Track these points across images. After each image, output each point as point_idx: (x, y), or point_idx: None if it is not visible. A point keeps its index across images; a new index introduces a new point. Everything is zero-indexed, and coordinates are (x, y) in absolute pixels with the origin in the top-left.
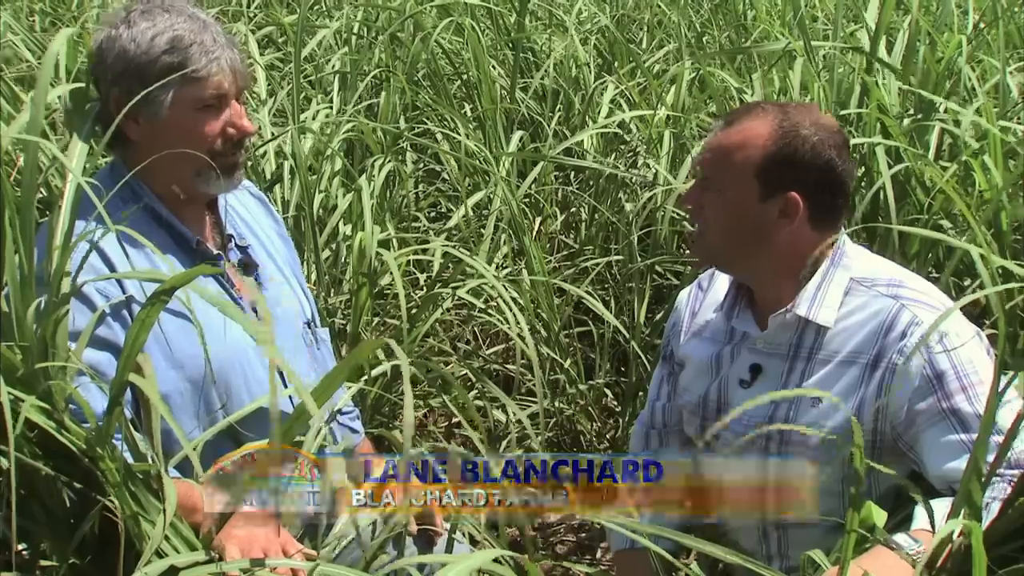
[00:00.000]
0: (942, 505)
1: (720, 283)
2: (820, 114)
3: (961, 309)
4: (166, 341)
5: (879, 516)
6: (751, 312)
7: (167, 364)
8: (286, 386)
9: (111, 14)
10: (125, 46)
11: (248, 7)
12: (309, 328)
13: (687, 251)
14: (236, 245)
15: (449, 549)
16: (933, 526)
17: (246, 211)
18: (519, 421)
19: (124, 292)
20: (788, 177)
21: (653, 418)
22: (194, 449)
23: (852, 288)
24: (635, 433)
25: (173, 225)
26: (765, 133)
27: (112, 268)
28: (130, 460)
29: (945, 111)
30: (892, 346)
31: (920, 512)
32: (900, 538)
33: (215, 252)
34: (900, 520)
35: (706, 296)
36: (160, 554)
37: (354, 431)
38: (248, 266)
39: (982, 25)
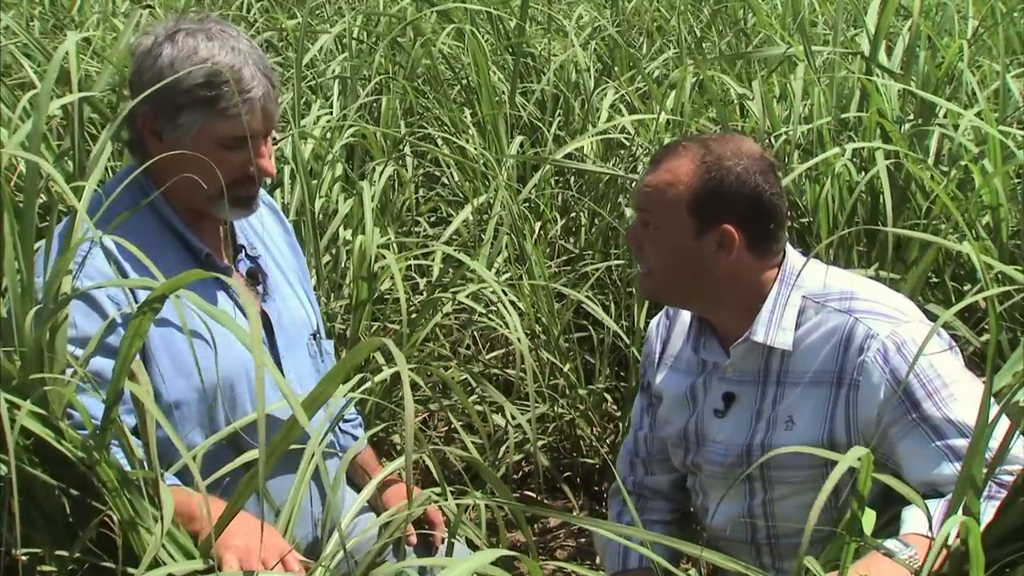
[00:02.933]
0: (929, 508)
1: (685, 312)
2: (742, 142)
3: (958, 316)
4: (176, 349)
5: (867, 518)
6: (716, 341)
7: (176, 373)
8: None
9: (160, 24)
10: (162, 66)
11: (249, 12)
12: (314, 339)
13: None
14: (246, 255)
15: (449, 555)
16: (931, 528)
17: (258, 220)
18: (519, 426)
19: (136, 300)
20: (718, 210)
21: (637, 447)
22: (194, 458)
23: (806, 306)
24: (620, 458)
25: (185, 237)
26: (690, 170)
27: (125, 275)
28: (127, 467)
29: (945, 116)
30: (852, 362)
31: (908, 516)
32: (891, 543)
33: (224, 264)
34: (885, 523)
35: (673, 325)
36: (158, 562)
37: (356, 439)
38: (255, 276)
39: (982, 30)
